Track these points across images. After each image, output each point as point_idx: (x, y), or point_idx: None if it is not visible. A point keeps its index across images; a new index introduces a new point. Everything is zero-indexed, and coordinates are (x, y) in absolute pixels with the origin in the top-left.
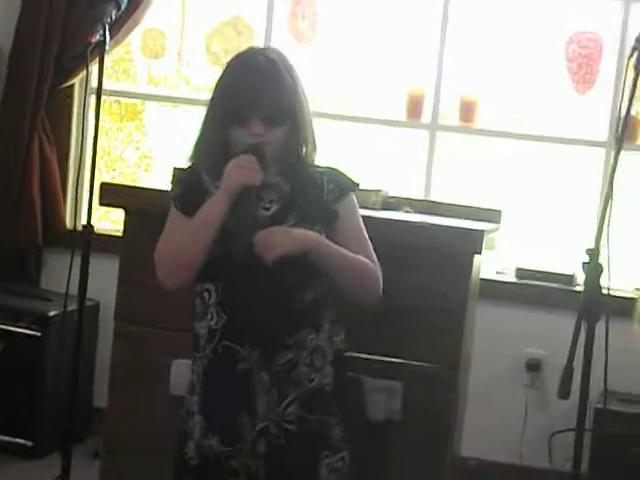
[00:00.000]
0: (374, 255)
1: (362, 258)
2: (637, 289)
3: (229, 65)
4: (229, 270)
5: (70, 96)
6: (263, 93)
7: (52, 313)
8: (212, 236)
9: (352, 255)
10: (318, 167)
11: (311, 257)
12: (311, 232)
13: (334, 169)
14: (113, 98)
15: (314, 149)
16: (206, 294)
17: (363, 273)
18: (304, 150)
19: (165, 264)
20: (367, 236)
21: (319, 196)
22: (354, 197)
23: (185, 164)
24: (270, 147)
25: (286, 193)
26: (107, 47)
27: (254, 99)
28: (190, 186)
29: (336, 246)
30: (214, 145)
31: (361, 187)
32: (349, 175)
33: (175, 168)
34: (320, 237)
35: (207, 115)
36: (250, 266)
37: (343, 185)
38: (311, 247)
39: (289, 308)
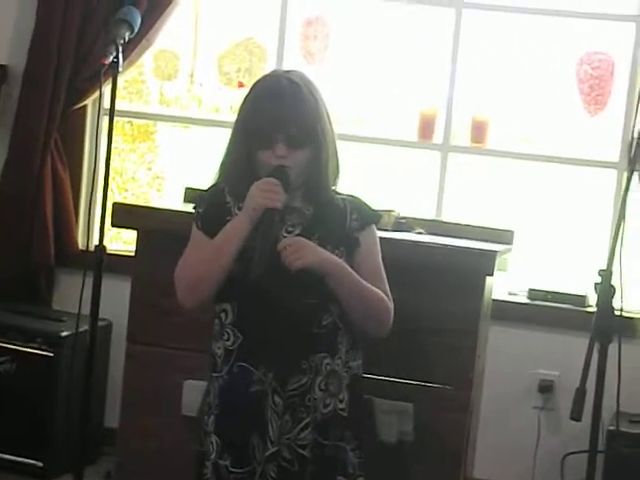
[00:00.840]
0: (388, 289)
1: (377, 290)
2: None
3: (253, 88)
4: (247, 290)
5: (83, 117)
6: (285, 115)
7: (64, 333)
8: (232, 257)
9: (368, 286)
10: (340, 194)
11: (329, 280)
12: (334, 256)
13: (356, 198)
14: (125, 119)
15: (337, 174)
16: (223, 314)
17: (376, 305)
18: (328, 174)
19: (185, 283)
20: (383, 269)
21: (342, 223)
22: (375, 229)
23: (209, 185)
24: (294, 170)
25: (309, 217)
26: (120, 68)
27: (276, 121)
28: (213, 206)
29: (355, 274)
30: (239, 167)
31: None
32: (370, 205)
33: (187, 188)
34: (342, 262)
35: (232, 137)
36: (268, 287)
37: (366, 216)
38: (331, 270)
39: (306, 331)
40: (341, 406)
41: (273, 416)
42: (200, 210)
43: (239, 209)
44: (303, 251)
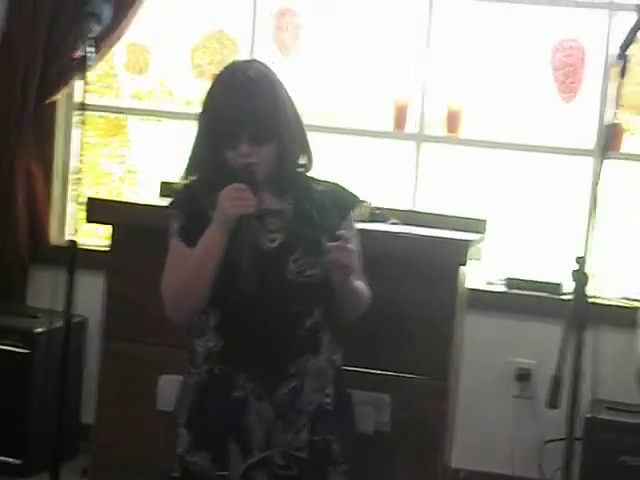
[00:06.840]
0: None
1: (363, 285)
2: (626, 298)
3: (213, 83)
4: (231, 296)
5: (54, 112)
6: (242, 114)
7: (39, 330)
8: (214, 269)
9: (359, 284)
10: (318, 182)
11: (338, 284)
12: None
13: (335, 185)
14: (97, 113)
15: (310, 160)
16: (204, 316)
17: (360, 298)
18: (300, 163)
19: (172, 301)
20: (361, 260)
21: (322, 221)
22: (352, 217)
23: (179, 182)
24: (260, 167)
25: (289, 221)
26: (90, 62)
27: (235, 121)
28: (191, 215)
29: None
30: (210, 169)
31: None
32: (350, 190)
33: (163, 182)
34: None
35: (197, 134)
36: (254, 294)
37: (344, 206)
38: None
39: (290, 336)
40: (327, 400)
41: (257, 423)
42: (180, 222)
43: None
44: (351, 265)
